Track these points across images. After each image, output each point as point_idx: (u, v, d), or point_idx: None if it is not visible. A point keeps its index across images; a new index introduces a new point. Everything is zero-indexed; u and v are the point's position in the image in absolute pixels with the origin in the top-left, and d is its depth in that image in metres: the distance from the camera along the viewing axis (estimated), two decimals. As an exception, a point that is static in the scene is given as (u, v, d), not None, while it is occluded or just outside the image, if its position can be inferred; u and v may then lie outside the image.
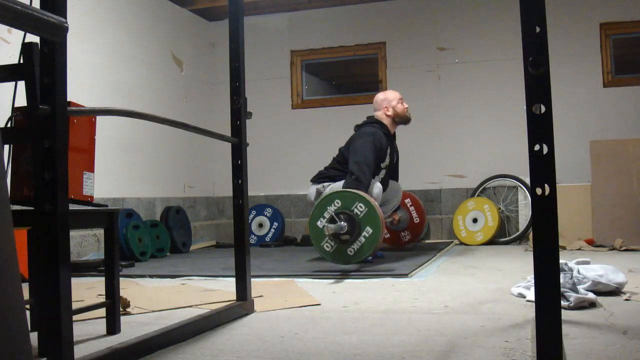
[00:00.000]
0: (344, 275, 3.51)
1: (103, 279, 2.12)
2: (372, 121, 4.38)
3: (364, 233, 3.58)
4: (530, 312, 2.26)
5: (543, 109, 1.35)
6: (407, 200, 5.14)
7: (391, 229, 5.05)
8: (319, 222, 3.66)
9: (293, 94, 6.64)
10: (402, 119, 4.41)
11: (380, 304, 2.59)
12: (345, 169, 4.22)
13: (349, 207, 3.62)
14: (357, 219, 3.59)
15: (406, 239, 5.14)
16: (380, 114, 4.40)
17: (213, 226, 6.71)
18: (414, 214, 5.12)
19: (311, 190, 4.40)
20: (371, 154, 4.09)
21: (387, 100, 4.39)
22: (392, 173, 4.56)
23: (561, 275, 2.36)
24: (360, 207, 3.60)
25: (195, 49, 6.52)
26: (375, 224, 3.58)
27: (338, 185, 4.18)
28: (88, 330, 2.16)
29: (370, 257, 3.95)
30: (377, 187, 4.11)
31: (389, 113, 4.37)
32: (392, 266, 3.81)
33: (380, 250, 4.67)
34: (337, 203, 3.64)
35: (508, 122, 5.87)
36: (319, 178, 4.43)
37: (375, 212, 3.59)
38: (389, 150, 4.34)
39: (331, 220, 3.60)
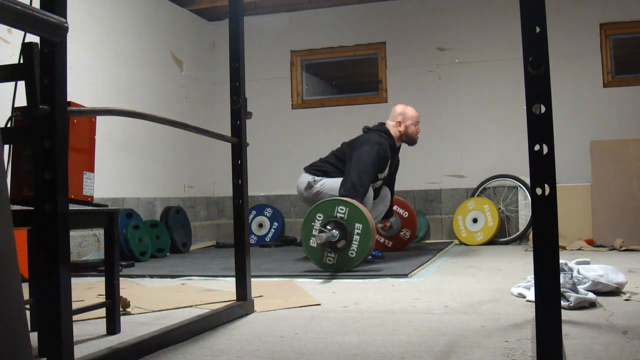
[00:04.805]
0: (344, 275, 3.52)
1: (103, 279, 2.12)
2: (382, 129, 4.37)
3: (356, 230, 3.59)
4: (530, 312, 2.26)
5: (543, 109, 1.34)
6: None
7: (385, 234, 5.05)
8: (311, 242, 3.66)
9: (293, 94, 6.64)
10: (408, 139, 4.42)
11: (380, 304, 2.59)
12: (342, 166, 4.22)
13: (331, 215, 3.62)
14: (343, 221, 3.59)
15: (407, 237, 5.13)
16: (391, 125, 4.39)
17: (213, 226, 6.71)
18: (400, 211, 5.11)
19: (303, 178, 4.38)
20: (373, 164, 4.08)
21: (403, 116, 4.38)
22: (388, 182, 4.55)
23: (561, 275, 2.36)
24: (341, 209, 3.61)
25: (195, 49, 6.52)
26: (362, 219, 3.58)
27: (330, 182, 4.19)
28: (88, 330, 2.16)
29: (370, 258, 3.95)
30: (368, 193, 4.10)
31: (400, 129, 4.37)
32: (392, 266, 3.81)
33: (381, 250, 4.68)
34: (319, 217, 3.65)
35: (508, 122, 5.87)
36: (313, 169, 4.41)
37: (355, 208, 3.60)
38: (389, 162, 4.34)
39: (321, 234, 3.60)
